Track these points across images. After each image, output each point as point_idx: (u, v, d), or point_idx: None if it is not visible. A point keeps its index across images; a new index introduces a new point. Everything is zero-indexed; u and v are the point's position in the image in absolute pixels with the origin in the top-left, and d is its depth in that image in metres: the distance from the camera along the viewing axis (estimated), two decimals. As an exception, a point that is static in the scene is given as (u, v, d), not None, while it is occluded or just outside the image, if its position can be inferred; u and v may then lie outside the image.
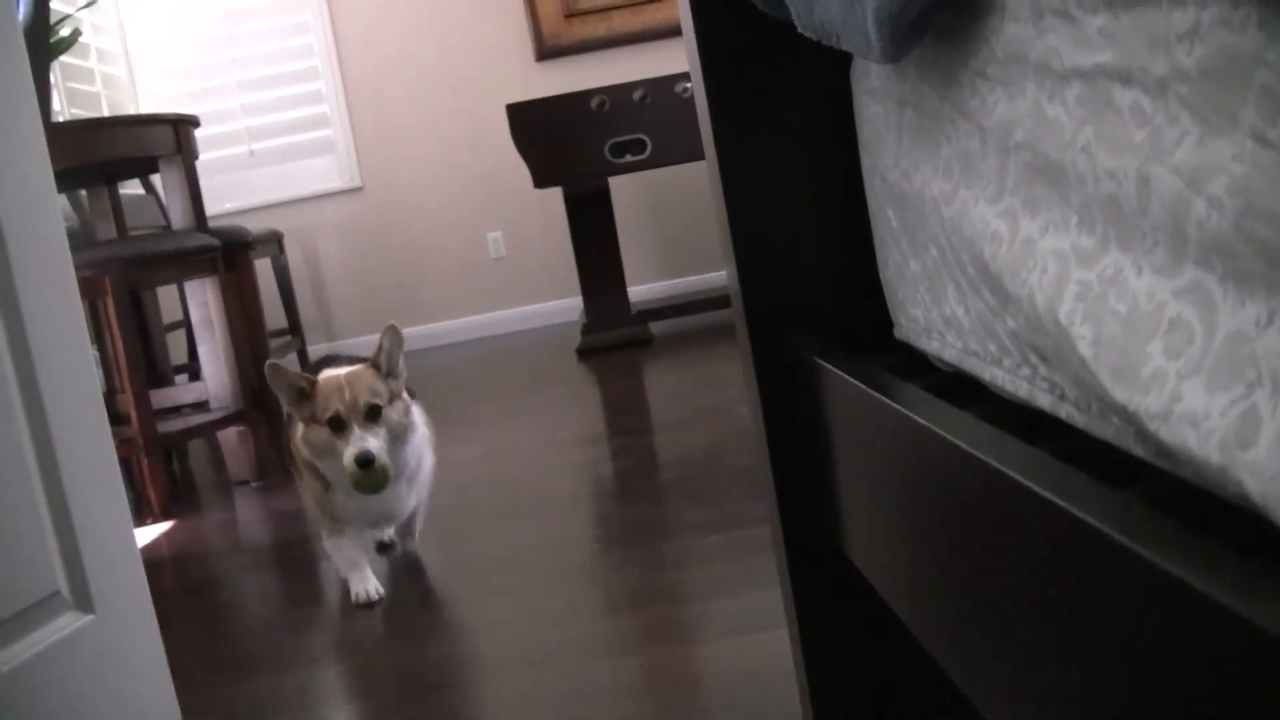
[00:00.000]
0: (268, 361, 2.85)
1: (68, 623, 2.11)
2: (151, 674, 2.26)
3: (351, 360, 3.11)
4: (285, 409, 3.00)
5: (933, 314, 1.13)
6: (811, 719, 1.51)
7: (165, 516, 4.44)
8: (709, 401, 4.70)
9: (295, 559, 3.53)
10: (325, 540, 3.14)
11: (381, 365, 2.94)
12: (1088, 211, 0.78)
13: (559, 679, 2.29)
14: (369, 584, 3.04)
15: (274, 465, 5.05)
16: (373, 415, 2.86)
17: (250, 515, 4.36)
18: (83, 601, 2.14)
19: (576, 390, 5.61)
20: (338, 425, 2.84)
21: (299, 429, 2.94)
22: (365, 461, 2.77)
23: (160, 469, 4.50)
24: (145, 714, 2.23)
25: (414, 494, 3.15)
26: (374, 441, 2.81)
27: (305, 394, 2.90)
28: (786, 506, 1.43)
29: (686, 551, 2.89)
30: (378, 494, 2.89)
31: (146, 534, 4.20)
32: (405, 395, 3.00)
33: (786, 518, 1.44)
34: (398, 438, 2.93)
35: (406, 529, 3.37)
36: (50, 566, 2.10)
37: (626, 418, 4.78)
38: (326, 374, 2.94)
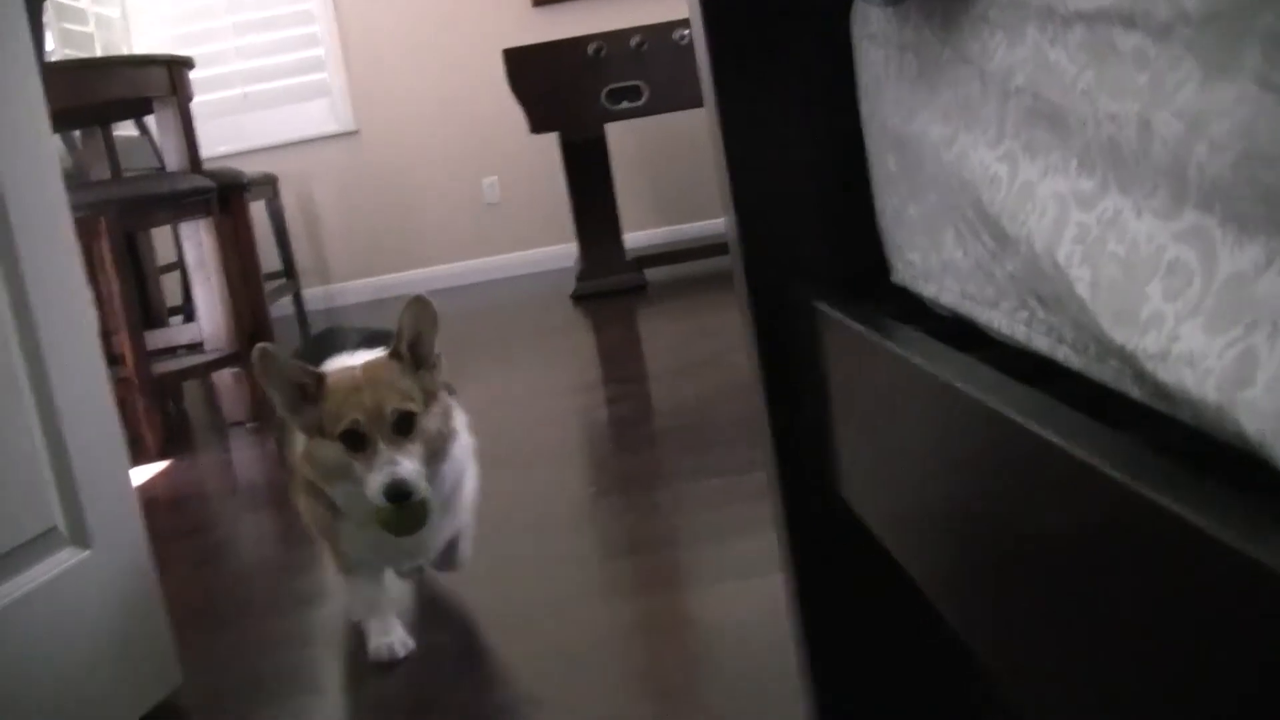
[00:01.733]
0: (258, 346, 2.05)
1: (64, 558, 2.12)
2: (147, 611, 2.27)
3: (365, 340, 2.35)
4: (279, 412, 2.17)
5: (931, 258, 1.13)
6: (806, 663, 1.53)
7: (161, 457, 4.45)
8: (704, 349, 4.71)
9: (286, 502, 3.54)
10: (336, 569, 2.40)
11: (404, 354, 2.13)
12: (1088, 155, 0.78)
13: (554, 625, 2.30)
14: (393, 635, 2.33)
15: (269, 407, 5.05)
16: (404, 427, 2.06)
17: (246, 456, 4.37)
18: (79, 537, 2.15)
19: (571, 337, 5.61)
20: (356, 442, 2.05)
21: (299, 442, 2.21)
22: (399, 494, 2.02)
23: (155, 410, 4.51)
24: (141, 651, 2.24)
25: (452, 521, 2.35)
26: (409, 465, 2.03)
27: (309, 394, 2.10)
28: (783, 451, 1.44)
29: (681, 498, 2.90)
30: (412, 535, 2.13)
31: (142, 474, 4.21)
32: (444, 393, 2.21)
33: (783, 462, 1.44)
34: (436, 454, 2.13)
35: (446, 559, 2.50)
36: (47, 502, 2.11)
37: (621, 365, 4.79)
38: (336, 367, 2.16)
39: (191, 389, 5.99)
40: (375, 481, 2.00)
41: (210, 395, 5.70)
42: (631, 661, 2.09)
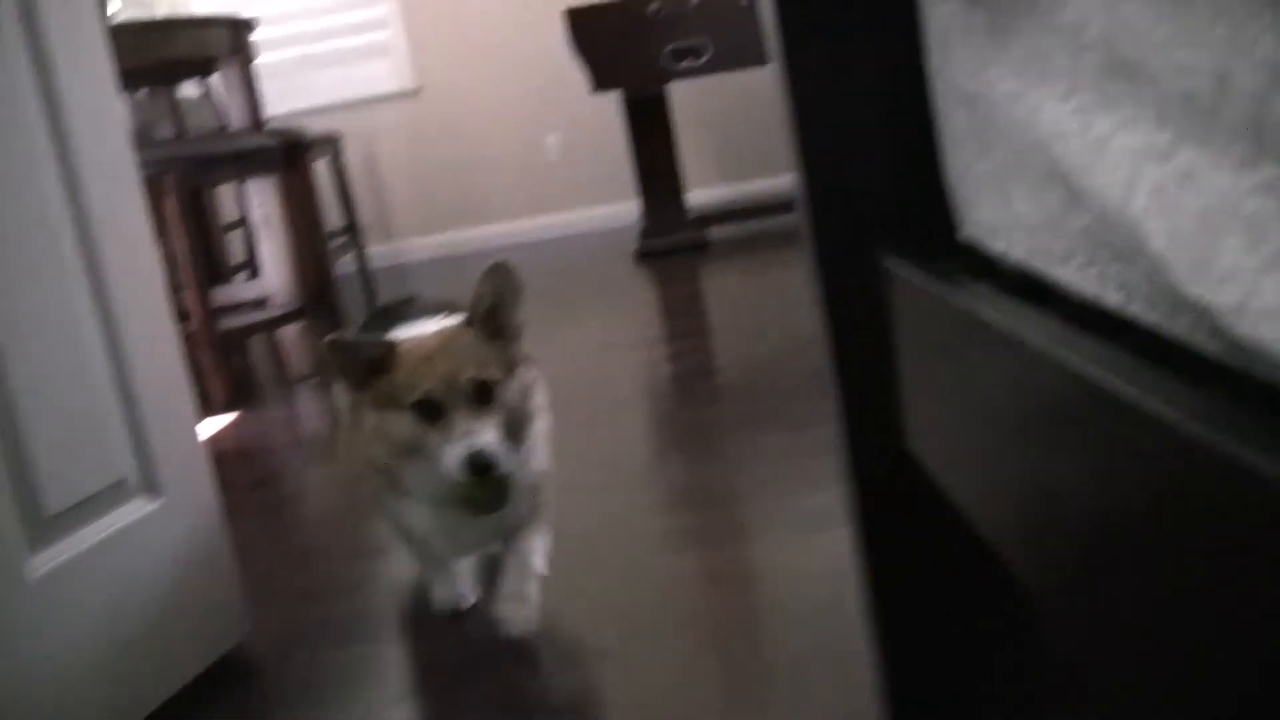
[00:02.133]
0: (327, 339, 1.96)
1: (135, 509, 2.15)
2: (217, 561, 2.31)
3: (436, 309, 2.20)
4: (343, 397, 2.10)
5: (999, 214, 1.13)
6: (871, 616, 1.53)
7: (227, 411, 4.51)
8: (768, 307, 4.70)
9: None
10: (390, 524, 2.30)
11: (477, 321, 2.00)
12: (1163, 108, 0.77)
13: (616, 578, 2.32)
14: (458, 587, 2.29)
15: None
16: (482, 396, 1.92)
17: (310, 410, 4.41)
18: (150, 488, 2.19)
19: (633, 294, 5.62)
20: (430, 411, 1.91)
21: (363, 421, 2.03)
22: (481, 465, 1.87)
23: (221, 365, 4.56)
24: (211, 600, 2.28)
25: (526, 503, 2.15)
26: (490, 436, 1.89)
27: (379, 366, 1.95)
28: (850, 407, 1.44)
29: (745, 452, 2.91)
30: (494, 513, 2.02)
31: (209, 428, 4.26)
32: (526, 368, 2.06)
33: (850, 418, 1.44)
34: (516, 431, 1.98)
35: (519, 551, 2.17)
36: (118, 453, 2.14)
37: (684, 322, 4.79)
38: (407, 336, 2.03)
39: (256, 344, 6.05)
40: (453, 454, 1.87)
41: (275, 351, 5.76)
42: (695, 614, 2.10)
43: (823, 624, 1.97)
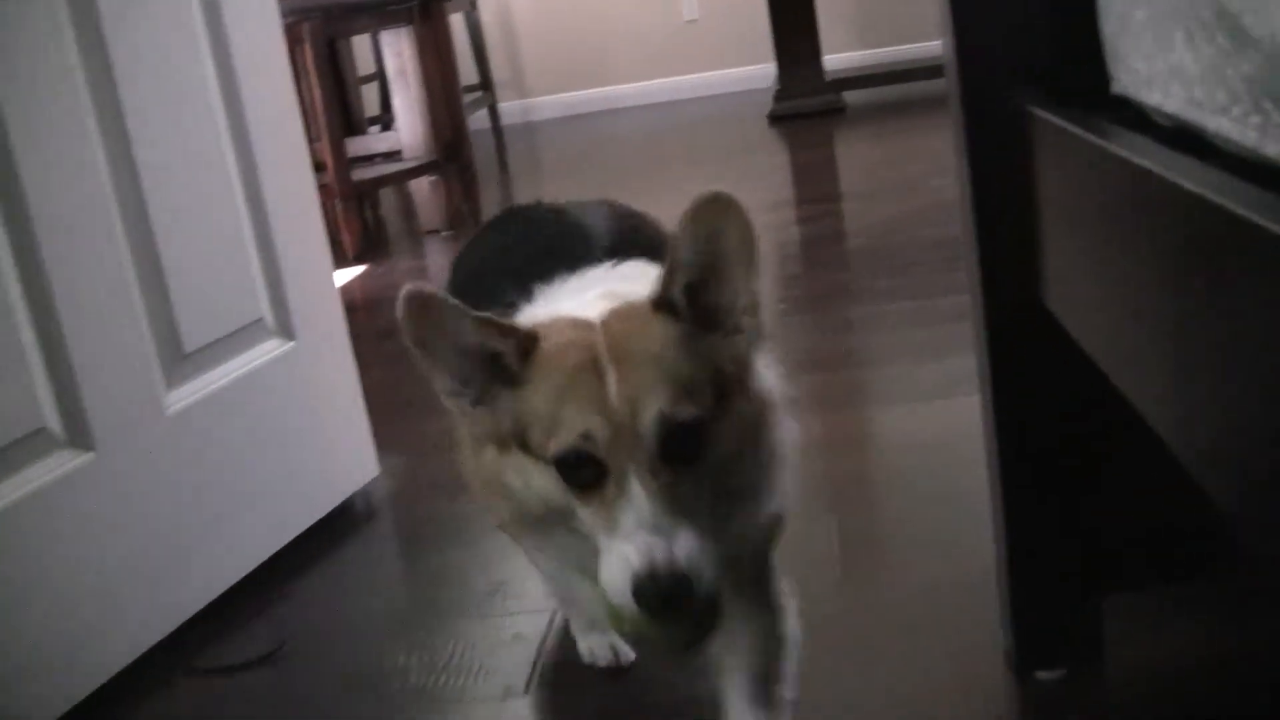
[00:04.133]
0: (411, 291, 1.11)
1: (270, 349, 2.20)
2: (348, 404, 2.35)
3: (608, 249, 1.43)
4: (442, 391, 1.21)
5: (1157, 64, 1.08)
6: (999, 481, 1.51)
7: (358, 262, 4.56)
8: (902, 173, 4.62)
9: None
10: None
11: (680, 301, 1.19)
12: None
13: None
14: (605, 637, 1.77)
15: (466, 215, 5.10)
16: (678, 448, 1.13)
17: (441, 263, 4.45)
18: (285, 329, 2.23)
19: (765, 157, 5.56)
20: (584, 472, 1.14)
21: (482, 454, 1.25)
22: (662, 595, 1.10)
23: (354, 215, 4.61)
24: (342, 441, 2.33)
25: (754, 609, 1.37)
26: (685, 540, 1.10)
27: (501, 366, 1.18)
28: (988, 264, 1.41)
29: (873, 317, 2.88)
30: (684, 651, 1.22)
31: (340, 278, 4.32)
32: (759, 369, 1.26)
33: (987, 275, 1.42)
34: (739, 488, 1.24)
35: (747, 687, 1.37)
36: (255, 295, 2.18)
37: (815, 186, 4.74)
38: (551, 316, 1.24)
39: (388, 196, 6.09)
40: (615, 567, 1.11)
41: (406, 203, 5.80)
42: (816, 477, 2.10)
43: (946, 489, 1.96)
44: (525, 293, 1.36)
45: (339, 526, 2.25)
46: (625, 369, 1.13)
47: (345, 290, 4.11)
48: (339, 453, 2.31)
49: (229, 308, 2.13)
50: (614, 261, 1.39)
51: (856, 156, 5.23)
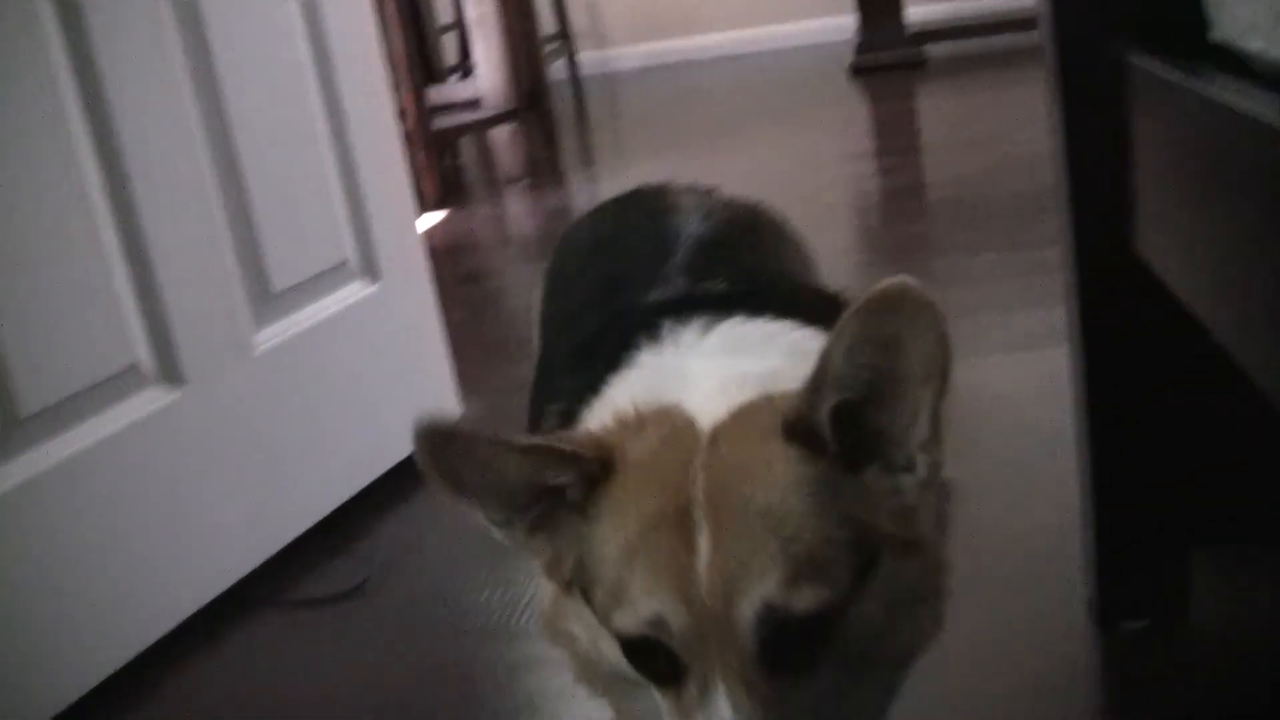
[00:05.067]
0: (420, 422, 0.88)
1: (355, 291, 2.23)
2: (430, 345, 2.38)
3: (762, 255, 1.29)
4: (487, 523, 0.94)
5: (1261, 10, 1.07)
6: (1087, 431, 1.50)
7: (437, 209, 4.59)
8: (984, 126, 4.57)
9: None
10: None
11: (823, 424, 0.87)
12: None
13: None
14: None
15: (544, 165, 5.10)
16: (789, 655, 0.85)
17: (519, 211, 4.47)
18: (370, 271, 2.26)
19: (846, 109, 5.52)
20: (656, 661, 0.87)
21: (542, 578, 1.01)
22: None
23: (434, 163, 4.63)
24: (424, 383, 2.35)
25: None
26: None
27: (564, 489, 0.92)
28: (1080, 207, 1.40)
29: (955, 269, 2.86)
30: None
31: (421, 224, 4.35)
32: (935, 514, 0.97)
33: (1080, 219, 1.40)
34: (875, 671, 0.94)
35: None
36: (340, 237, 2.21)
37: (896, 138, 4.71)
38: (644, 410, 0.95)
39: (467, 144, 6.11)
40: None
41: (485, 151, 5.81)
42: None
43: (1026, 441, 1.95)
44: (625, 349, 1.05)
45: (417, 471, 2.27)
46: (726, 527, 0.84)
47: (427, 236, 4.14)
48: (422, 394, 2.34)
49: (315, 250, 2.16)
50: (751, 313, 1.05)
51: (937, 110, 5.18)
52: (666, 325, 1.05)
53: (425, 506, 2.18)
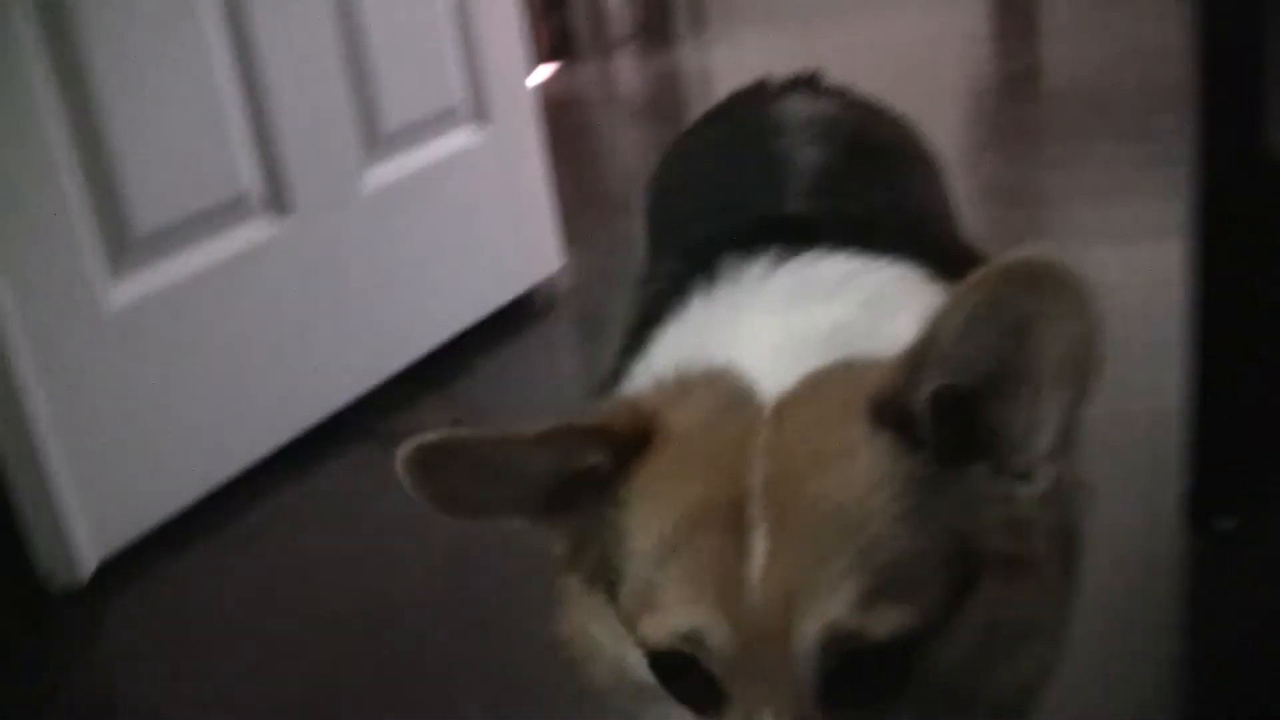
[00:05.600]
0: (404, 450, 0.72)
1: (464, 136, 2.23)
2: (537, 195, 2.38)
3: (849, 231, 0.90)
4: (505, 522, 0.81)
5: None
6: (1197, 326, 1.47)
7: (548, 62, 4.56)
8: (1109, 14, 4.45)
9: (668, 117, 3.59)
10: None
11: (916, 414, 0.69)
12: None
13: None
14: None
15: (656, 27, 5.04)
16: (859, 691, 0.68)
17: (628, 72, 4.44)
18: (480, 117, 2.26)
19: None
20: (689, 683, 0.72)
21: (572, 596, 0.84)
22: None
23: (546, 17, 4.60)
24: (529, 232, 2.36)
25: None
26: None
27: (590, 469, 0.76)
28: (1210, 106, 1.36)
29: (1068, 155, 2.81)
30: None
31: (532, 78, 4.34)
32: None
33: (1208, 117, 1.37)
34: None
35: None
36: (453, 81, 2.21)
37: (1015, 21, 4.58)
38: (690, 372, 0.79)
39: (580, 1, 6.04)
40: None
41: (598, 10, 5.74)
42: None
43: (1129, 333, 1.92)
44: (679, 293, 0.89)
45: (519, 315, 2.30)
46: (789, 527, 0.68)
47: (537, 88, 4.13)
48: (525, 243, 2.35)
49: (428, 92, 2.16)
50: (835, 247, 0.86)
51: (1061, -5, 5.05)
52: (727, 262, 0.87)
53: (520, 354, 2.21)
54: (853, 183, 1.02)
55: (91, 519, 1.72)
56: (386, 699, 1.49)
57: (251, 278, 1.90)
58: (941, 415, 0.68)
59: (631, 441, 0.74)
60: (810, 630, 0.65)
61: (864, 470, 0.69)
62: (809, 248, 0.86)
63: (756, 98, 1.25)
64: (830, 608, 0.65)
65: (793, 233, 0.87)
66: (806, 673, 0.66)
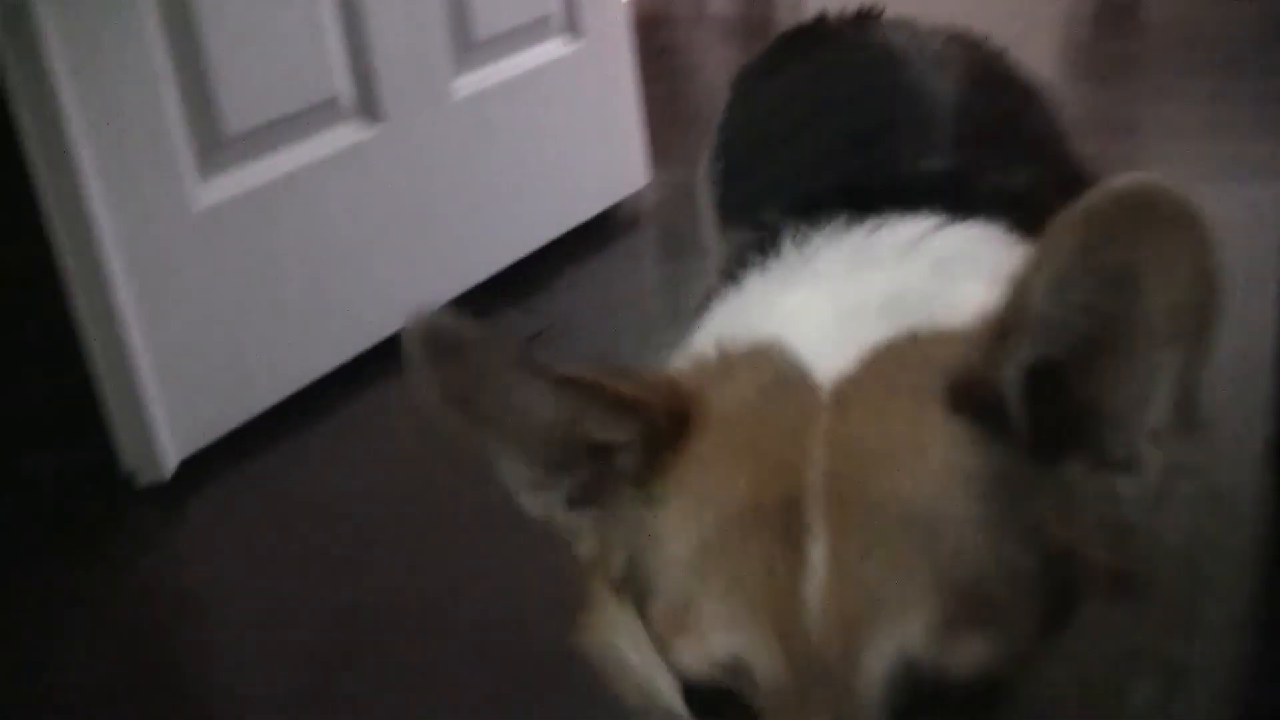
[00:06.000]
0: (411, 322, 0.62)
1: (556, 47, 2.23)
2: (626, 110, 2.37)
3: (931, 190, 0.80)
4: (513, 483, 0.70)
5: None
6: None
7: (637, -21, 4.52)
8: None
9: (759, 36, 3.55)
10: None
11: (1006, 397, 0.59)
12: None
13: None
14: None
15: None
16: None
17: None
18: (572, 28, 2.25)
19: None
20: (732, 716, 0.60)
21: (600, 607, 0.74)
22: None
23: (639, -69, 4.55)
24: (616, 146, 2.35)
25: None
26: None
27: (613, 455, 0.66)
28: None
29: (1168, 90, 2.74)
30: None
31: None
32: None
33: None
34: None
35: None
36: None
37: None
38: (740, 348, 0.68)
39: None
40: None
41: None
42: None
43: (1230, 274, 1.89)
44: (740, 266, 0.79)
45: (603, 230, 2.30)
46: (853, 535, 0.58)
47: (630, 4, 4.10)
48: (612, 157, 2.34)
49: (521, 2, 2.15)
50: (955, 216, 0.75)
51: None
52: (791, 230, 0.76)
53: (603, 269, 2.20)
54: (994, 128, 0.90)
55: (175, 416, 1.74)
56: (462, 607, 1.50)
57: (339, 182, 1.91)
58: (1033, 395, 0.58)
59: (666, 424, 0.63)
60: (877, 663, 0.56)
61: (942, 466, 0.59)
62: (954, 210, 0.74)
63: (847, 29, 1.10)
64: (902, 635, 0.56)
65: (939, 194, 0.74)
66: (871, 714, 0.56)
